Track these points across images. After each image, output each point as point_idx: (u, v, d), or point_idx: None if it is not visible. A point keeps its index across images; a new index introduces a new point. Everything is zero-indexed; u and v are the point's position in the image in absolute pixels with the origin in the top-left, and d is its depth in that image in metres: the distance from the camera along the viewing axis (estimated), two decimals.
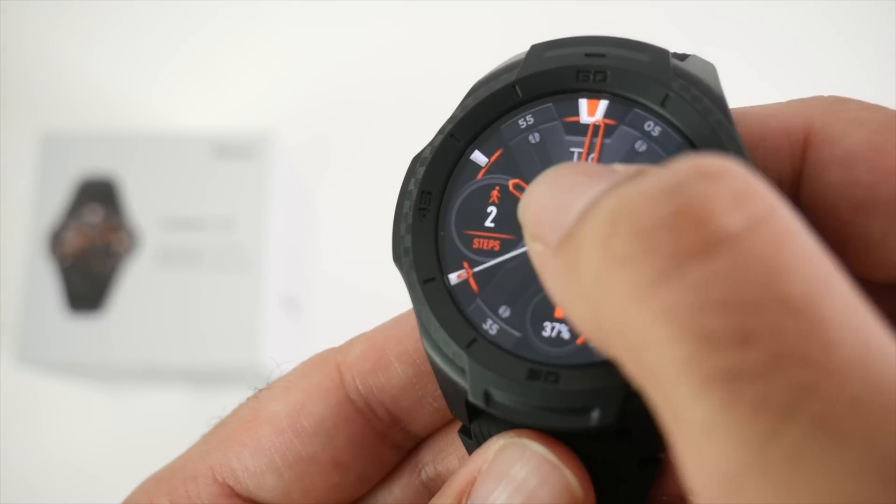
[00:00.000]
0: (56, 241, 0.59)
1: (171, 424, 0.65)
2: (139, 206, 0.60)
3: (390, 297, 0.65)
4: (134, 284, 0.59)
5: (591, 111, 0.23)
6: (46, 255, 0.59)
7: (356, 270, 0.67)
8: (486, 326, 0.22)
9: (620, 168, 0.19)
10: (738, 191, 0.16)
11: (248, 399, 0.27)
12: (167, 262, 0.59)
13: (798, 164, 0.24)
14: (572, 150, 0.23)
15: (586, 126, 0.23)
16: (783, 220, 0.16)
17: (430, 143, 0.24)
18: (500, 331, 0.22)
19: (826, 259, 0.16)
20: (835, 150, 0.23)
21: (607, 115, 0.23)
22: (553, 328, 0.22)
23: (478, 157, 0.23)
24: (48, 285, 0.59)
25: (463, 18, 0.72)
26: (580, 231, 0.18)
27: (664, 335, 0.16)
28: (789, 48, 0.69)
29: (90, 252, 0.59)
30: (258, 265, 0.58)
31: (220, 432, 0.27)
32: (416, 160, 0.24)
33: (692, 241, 0.16)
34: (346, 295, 0.67)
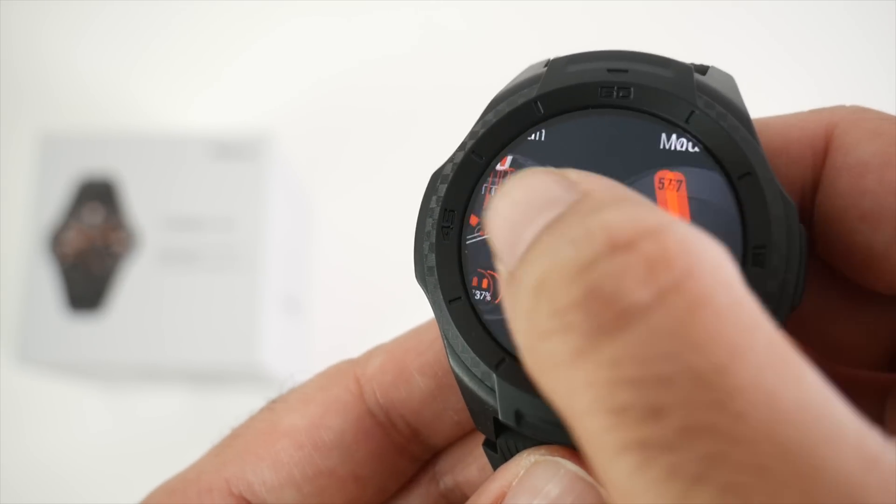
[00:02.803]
0: (56, 241, 0.59)
1: (170, 424, 0.65)
2: (139, 206, 0.60)
3: (391, 296, 0.65)
4: (134, 284, 0.59)
5: None
6: (46, 255, 0.59)
7: (357, 270, 0.67)
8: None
9: (564, 195, 0.19)
10: (649, 259, 0.16)
11: (263, 410, 0.27)
12: (167, 262, 0.59)
13: (819, 171, 0.24)
14: None
15: None
16: (698, 281, 0.16)
17: (451, 160, 0.24)
18: None
19: (744, 319, 0.16)
20: (848, 158, 0.23)
21: None
22: None
23: None
24: (48, 285, 0.59)
25: (465, 22, 0.72)
26: (516, 289, 0.18)
27: (584, 406, 0.16)
28: (794, 52, 0.69)
29: (90, 252, 0.59)
30: (258, 265, 0.58)
31: (235, 444, 0.26)
32: (437, 177, 0.24)
33: (603, 320, 0.16)
34: (347, 295, 0.67)
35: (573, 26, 0.69)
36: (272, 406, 0.27)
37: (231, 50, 0.72)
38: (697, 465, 0.15)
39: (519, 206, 0.19)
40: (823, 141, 0.24)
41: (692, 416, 0.15)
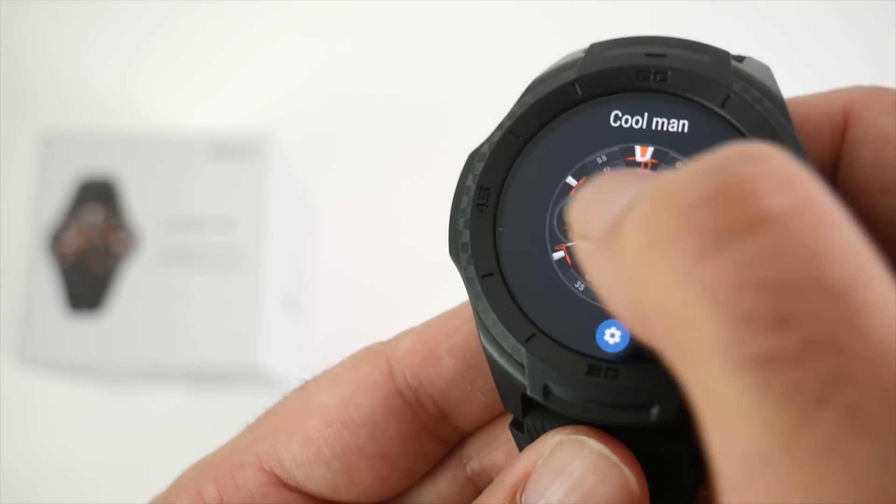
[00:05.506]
0: (56, 241, 0.59)
1: (171, 424, 0.65)
2: (139, 206, 0.60)
3: (391, 297, 0.65)
4: (134, 284, 0.59)
5: (643, 153, 0.24)
6: (46, 255, 0.59)
7: (357, 270, 0.67)
8: (577, 285, 0.23)
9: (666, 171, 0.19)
10: (783, 174, 0.16)
11: (296, 390, 0.27)
12: (167, 262, 0.59)
13: (838, 147, 0.24)
14: None
15: (640, 163, 0.24)
16: (826, 206, 0.16)
17: (489, 139, 0.25)
18: (585, 289, 0.23)
19: (866, 247, 0.16)
20: (869, 131, 0.23)
21: (653, 156, 0.24)
22: None
23: (571, 180, 0.24)
24: (48, 285, 0.59)
25: (465, 15, 0.72)
26: (625, 217, 0.18)
27: (703, 313, 0.15)
28: (809, 47, 0.69)
29: (90, 252, 0.59)
30: (258, 265, 0.58)
31: (268, 422, 0.27)
32: (474, 156, 0.25)
33: (735, 219, 0.16)
34: (348, 295, 0.67)
35: (579, 12, 0.69)
36: (305, 385, 0.27)
37: (231, 50, 0.72)
38: (821, 382, 0.14)
39: (608, 184, 0.19)
40: (842, 118, 0.24)
41: (819, 328, 0.15)
